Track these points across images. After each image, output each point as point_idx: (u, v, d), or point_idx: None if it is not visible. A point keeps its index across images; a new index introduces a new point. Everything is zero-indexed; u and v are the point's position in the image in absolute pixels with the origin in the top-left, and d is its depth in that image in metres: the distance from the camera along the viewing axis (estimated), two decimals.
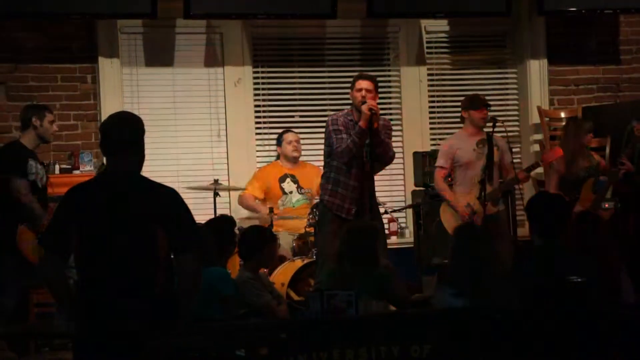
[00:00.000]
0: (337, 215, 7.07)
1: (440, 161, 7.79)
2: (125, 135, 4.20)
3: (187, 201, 4.34)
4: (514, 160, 7.98)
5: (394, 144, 7.41)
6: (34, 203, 7.06)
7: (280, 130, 8.97)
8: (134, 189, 4.15)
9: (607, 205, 8.06)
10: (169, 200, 4.16)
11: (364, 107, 6.97)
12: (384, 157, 7.20)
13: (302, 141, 8.88)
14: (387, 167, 8.22)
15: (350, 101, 7.30)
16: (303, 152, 8.89)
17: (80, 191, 4.28)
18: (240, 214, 8.61)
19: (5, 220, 7.10)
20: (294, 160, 8.73)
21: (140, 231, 4.07)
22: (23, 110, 7.56)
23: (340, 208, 7.09)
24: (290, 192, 8.66)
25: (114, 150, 4.21)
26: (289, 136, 8.78)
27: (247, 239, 6.52)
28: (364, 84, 7.13)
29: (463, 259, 5.16)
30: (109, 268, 4.07)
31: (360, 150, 7.01)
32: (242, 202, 8.71)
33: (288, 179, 8.69)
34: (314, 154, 8.88)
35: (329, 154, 7.21)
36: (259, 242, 6.48)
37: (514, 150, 8.67)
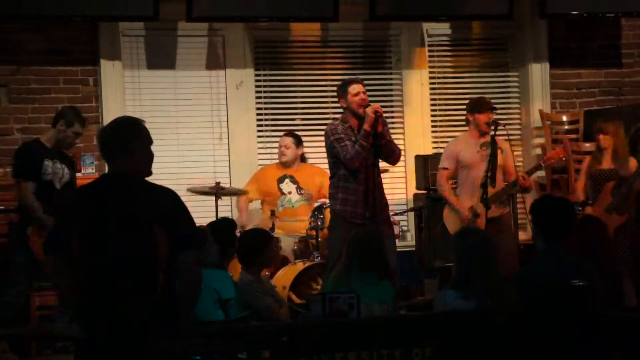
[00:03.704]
0: (351, 222, 7.03)
1: (444, 162, 7.78)
2: (115, 140, 4.21)
3: (188, 203, 4.35)
4: (516, 164, 7.97)
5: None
6: (34, 203, 7.09)
7: (282, 133, 8.97)
8: (131, 190, 4.16)
9: None
10: (166, 200, 4.17)
11: (369, 110, 6.96)
12: (393, 157, 7.20)
13: (304, 144, 8.86)
14: (389, 170, 8.26)
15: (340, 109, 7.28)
16: (305, 155, 8.90)
17: (80, 194, 4.32)
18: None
19: (18, 219, 7.28)
20: (285, 165, 8.72)
21: (138, 232, 4.08)
22: (61, 109, 7.60)
23: (354, 215, 7.05)
24: (289, 193, 8.66)
25: (108, 155, 4.25)
26: (281, 140, 8.79)
27: (245, 244, 6.51)
28: (359, 87, 7.12)
29: (465, 262, 5.14)
30: (108, 270, 4.08)
31: (367, 154, 7.00)
32: (237, 203, 8.72)
33: (287, 180, 8.68)
34: (316, 156, 8.88)
35: (334, 165, 7.18)
36: (258, 245, 6.48)
37: (515, 153, 8.66)
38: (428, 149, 9.30)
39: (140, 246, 4.08)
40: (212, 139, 9.13)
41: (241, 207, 8.65)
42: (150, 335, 4.02)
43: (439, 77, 9.63)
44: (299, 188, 8.67)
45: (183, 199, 4.31)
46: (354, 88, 7.11)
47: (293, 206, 8.62)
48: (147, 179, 4.27)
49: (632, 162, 8.06)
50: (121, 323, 4.03)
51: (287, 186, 8.67)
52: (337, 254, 6.81)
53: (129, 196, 4.14)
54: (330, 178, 7.29)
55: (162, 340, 4.06)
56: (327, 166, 7.42)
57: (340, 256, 6.39)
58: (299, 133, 8.97)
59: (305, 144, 8.90)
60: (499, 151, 7.54)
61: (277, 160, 8.87)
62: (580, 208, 8.01)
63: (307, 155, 8.96)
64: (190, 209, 4.28)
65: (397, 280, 6.70)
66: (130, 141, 4.20)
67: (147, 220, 4.08)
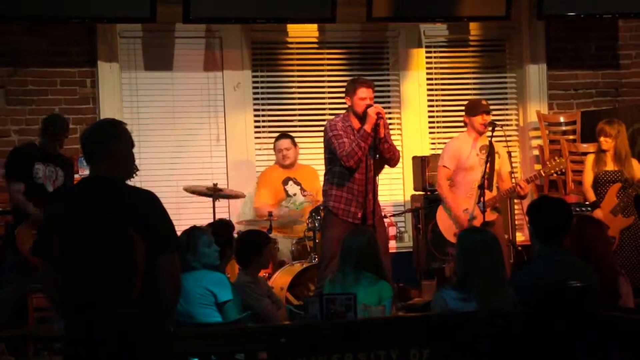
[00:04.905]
0: (343, 220, 7.04)
1: (445, 161, 7.72)
2: (94, 142, 4.21)
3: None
4: (513, 165, 7.97)
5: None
6: (23, 203, 7.17)
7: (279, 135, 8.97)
8: (109, 193, 4.15)
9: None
10: (143, 202, 4.15)
11: (371, 111, 6.94)
12: (392, 160, 7.20)
13: (301, 145, 8.88)
14: (386, 171, 8.26)
15: (345, 105, 7.29)
16: (302, 157, 8.90)
17: (61, 198, 4.35)
18: (239, 218, 8.61)
19: (12, 220, 7.37)
20: (286, 166, 8.72)
21: (115, 236, 4.07)
22: (46, 116, 7.68)
23: (346, 213, 7.06)
24: (294, 194, 8.67)
25: (88, 158, 4.25)
26: (279, 144, 8.77)
27: (243, 245, 6.51)
28: (367, 92, 7.08)
29: (466, 262, 5.11)
30: (85, 273, 4.07)
31: (364, 154, 7.00)
32: (259, 214, 8.66)
33: (291, 182, 8.70)
34: (313, 157, 8.88)
35: (330, 161, 7.17)
36: (255, 246, 6.48)
37: (512, 154, 8.66)
38: (425, 150, 9.31)
39: (116, 250, 4.06)
40: (209, 140, 9.12)
41: (262, 213, 8.59)
42: (129, 338, 4.02)
43: (436, 78, 9.64)
44: (302, 189, 8.69)
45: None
46: (362, 92, 7.09)
47: (298, 208, 8.62)
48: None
49: (635, 164, 8.07)
50: (98, 326, 4.02)
51: (292, 188, 8.69)
52: (330, 253, 6.81)
53: (107, 199, 4.13)
54: (325, 175, 7.27)
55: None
56: (323, 168, 7.41)
57: (334, 257, 6.38)
58: (296, 134, 8.99)
59: (302, 146, 8.92)
60: (496, 155, 7.54)
61: (274, 162, 8.88)
62: (590, 209, 8.02)
63: (304, 157, 8.97)
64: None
65: (392, 280, 6.70)
66: (109, 143, 4.18)
67: (124, 223, 4.07)
